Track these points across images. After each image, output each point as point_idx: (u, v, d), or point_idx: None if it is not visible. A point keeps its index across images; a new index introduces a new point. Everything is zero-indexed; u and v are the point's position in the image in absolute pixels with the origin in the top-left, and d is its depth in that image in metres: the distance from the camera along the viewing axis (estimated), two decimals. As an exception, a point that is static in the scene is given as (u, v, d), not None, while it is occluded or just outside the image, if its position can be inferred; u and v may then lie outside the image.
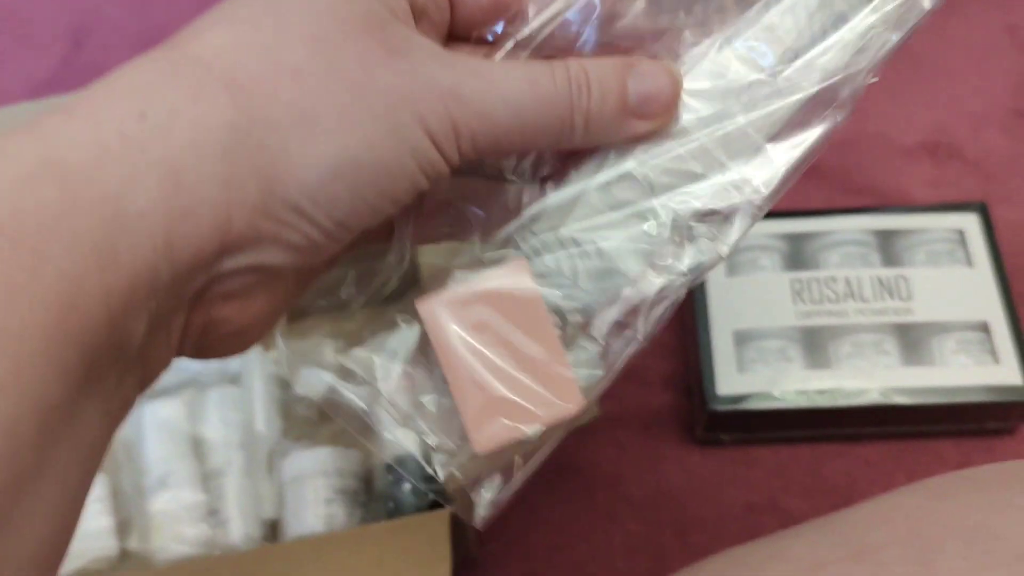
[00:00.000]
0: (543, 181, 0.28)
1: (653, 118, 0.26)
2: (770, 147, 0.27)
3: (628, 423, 0.51)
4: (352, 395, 0.26)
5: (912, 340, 0.47)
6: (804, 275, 0.49)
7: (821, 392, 0.46)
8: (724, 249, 0.26)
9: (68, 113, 0.21)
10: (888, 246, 0.50)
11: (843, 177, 0.58)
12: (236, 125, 0.22)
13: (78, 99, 0.21)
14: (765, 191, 0.26)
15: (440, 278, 0.27)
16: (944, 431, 0.48)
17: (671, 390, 0.52)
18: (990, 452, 0.48)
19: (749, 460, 0.49)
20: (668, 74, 0.26)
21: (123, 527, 0.42)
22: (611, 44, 0.27)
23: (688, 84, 0.27)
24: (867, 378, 0.46)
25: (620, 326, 0.27)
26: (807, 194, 0.56)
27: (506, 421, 0.25)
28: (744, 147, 0.26)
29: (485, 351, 0.26)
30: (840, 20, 0.27)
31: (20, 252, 0.19)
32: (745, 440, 0.49)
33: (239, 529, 0.43)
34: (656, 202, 0.27)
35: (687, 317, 0.50)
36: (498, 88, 0.24)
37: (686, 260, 0.26)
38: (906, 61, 0.63)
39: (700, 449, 0.50)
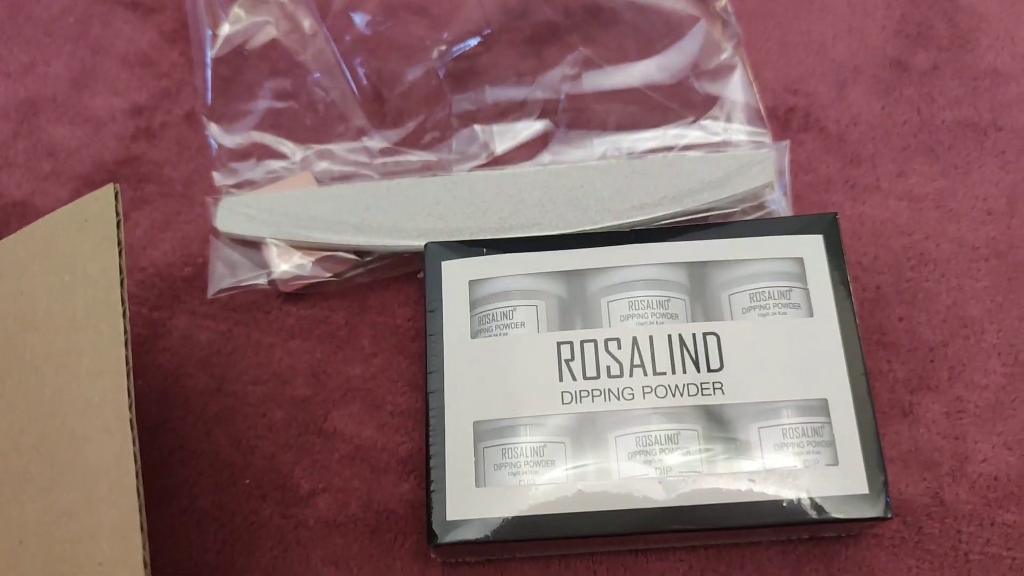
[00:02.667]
0: None
1: None
2: None
3: (349, 527, 0.37)
4: None
5: (722, 430, 0.33)
6: (576, 336, 0.34)
7: (593, 514, 0.32)
8: None
9: None
10: (699, 287, 0.36)
11: (662, 160, 0.42)
12: None
13: None
14: None
15: None
16: (768, 541, 0.36)
17: (412, 477, 0.38)
18: (828, 562, 0.36)
19: (509, 582, 0.36)
20: None
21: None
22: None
23: None
24: (658, 488, 0.32)
25: None
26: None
27: None
28: None
29: None
30: None
31: None
32: (502, 557, 0.36)
33: None
34: None
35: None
36: None
37: None
38: (757, -11, 0.47)
39: (443, 565, 0.36)
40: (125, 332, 0.26)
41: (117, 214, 0.27)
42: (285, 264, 0.38)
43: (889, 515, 0.32)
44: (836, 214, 0.36)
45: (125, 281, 0.26)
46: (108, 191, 0.27)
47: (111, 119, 0.45)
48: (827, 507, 0.32)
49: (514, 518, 0.32)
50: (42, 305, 0.28)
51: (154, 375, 0.39)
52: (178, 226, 0.42)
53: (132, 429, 0.25)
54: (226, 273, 0.39)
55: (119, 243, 0.26)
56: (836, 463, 0.32)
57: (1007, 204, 0.41)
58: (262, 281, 0.39)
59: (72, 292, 0.27)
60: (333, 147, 0.42)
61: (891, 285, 0.40)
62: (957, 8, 0.46)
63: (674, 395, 0.33)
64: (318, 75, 0.43)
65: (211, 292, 0.39)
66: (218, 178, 0.41)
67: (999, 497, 0.36)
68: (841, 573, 0.35)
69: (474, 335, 0.35)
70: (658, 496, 0.32)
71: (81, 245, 0.27)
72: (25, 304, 0.28)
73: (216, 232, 0.39)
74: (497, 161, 0.42)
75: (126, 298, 0.26)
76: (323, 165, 0.42)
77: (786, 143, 0.40)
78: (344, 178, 0.42)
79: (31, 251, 0.28)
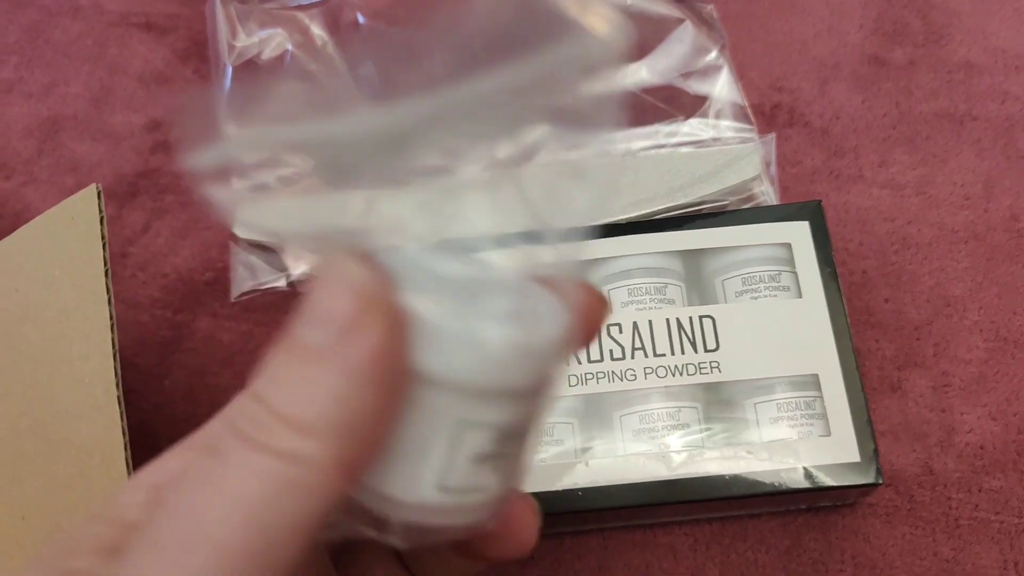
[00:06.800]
0: None
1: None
2: None
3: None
4: None
5: (720, 407, 0.35)
6: (580, 322, 0.36)
7: (601, 488, 0.34)
8: None
9: None
10: (694, 273, 0.38)
11: (656, 157, 0.45)
12: None
13: None
14: None
15: None
16: (767, 512, 0.38)
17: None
18: (825, 531, 0.37)
19: (524, 559, 0.38)
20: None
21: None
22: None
23: None
24: (661, 463, 0.34)
25: None
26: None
27: None
28: None
29: None
30: None
31: None
32: (517, 535, 0.38)
33: None
34: None
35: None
36: None
37: None
38: (741, -7, 0.49)
39: (462, 547, 0.38)
40: (111, 318, 0.28)
41: (100, 211, 0.29)
42: (303, 266, 0.41)
43: (880, 481, 0.34)
44: (820, 201, 0.38)
45: (109, 271, 0.28)
46: (91, 191, 0.29)
47: (130, 134, 0.47)
48: (821, 476, 0.34)
49: (527, 495, 0.34)
50: (35, 299, 0.30)
51: (180, 373, 0.41)
52: (197, 233, 0.44)
53: (120, 405, 0.28)
54: (247, 276, 0.41)
55: (103, 237, 0.28)
56: (828, 434, 0.34)
57: (983, 189, 0.44)
58: (281, 283, 0.41)
59: (62, 284, 0.29)
60: (342, 155, 0.45)
61: (876, 269, 0.42)
62: (931, 5, 0.49)
63: (674, 375, 0.35)
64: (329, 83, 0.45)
65: (234, 295, 0.41)
66: (234, 183, 0.44)
67: (985, 465, 0.38)
68: (839, 541, 0.37)
69: (484, 325, 0.37)
70: (661, 470, 0.34)
71: (68, 241, 0.29)
72: (19, 299, 0.30)
73: (235, 238, 0.41)
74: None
75: (110, 287, 0.28)
76: (333, 172, 0.44)
77: (771, 136, 0.42)
78: (354, 183, 0.44)
79: (24, 250, 0.30)
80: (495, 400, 0.17)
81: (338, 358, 0.16)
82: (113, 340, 0.28)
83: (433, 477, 0.17)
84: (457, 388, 0.17)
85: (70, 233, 0.29)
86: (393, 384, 0.16)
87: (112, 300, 0.28)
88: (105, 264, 0.28)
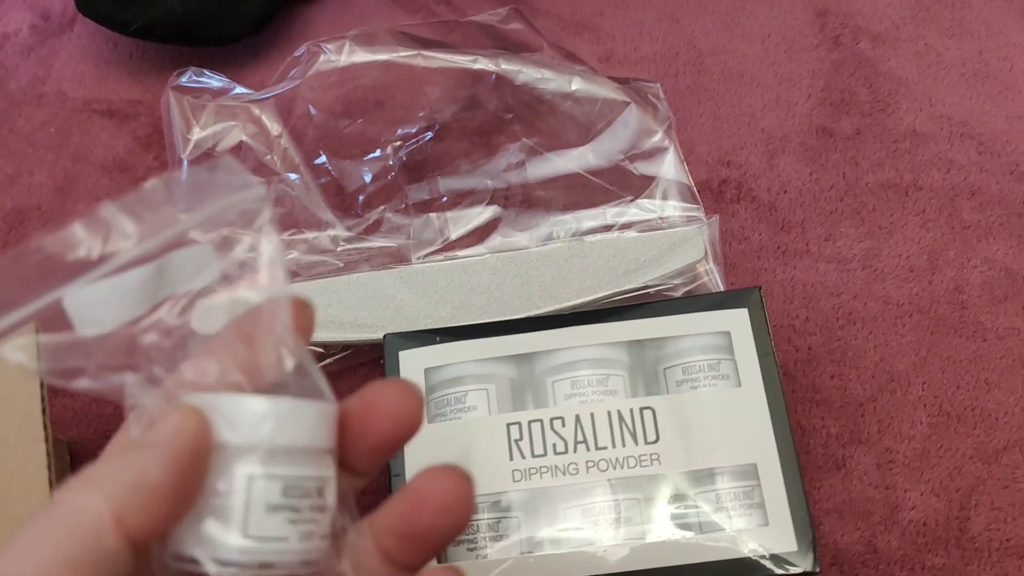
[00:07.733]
0: None
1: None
2: None
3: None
4: None
5: (662, 499, 0.36)
6: (524, 417, 0.37)
7: (544, 582, 0.35)
8: None
9: None
10: (637, 362, 0.39)
11: (606, 236, 0.46)
12: None
13: None
14: None
15: None
16: (712, 596, 0.38)
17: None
18: (772, 612, 0.38)
19: (477, 645, 0.38)
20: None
21: None
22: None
23: None
24: (605, 555, 0.35)
25: None
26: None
27: None
28: None
29: None
30: None
31: None
32: (470, 623, 0.38)
33: None
34: None
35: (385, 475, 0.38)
36: None
37: None
38: (689, 65, 0.50)
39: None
40: (48, 455, 0.29)
41: (39, 347, 0.30)
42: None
43: (817, 569, 0.35)
44: (760, 288, 0.39)
45: (47, 410, 0.29)
46: (29, 328, 0.30)
47: (93, 223, 0.48)
48: (761, 565, 0.35)
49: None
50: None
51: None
52: (158, 323, 0.45)
53: None
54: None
55: (40, 378, 0.30)
56: (767, 523, 0.35)
57: (928, 261, 0.44)
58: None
59: (2, 421, 0.30)
60: (299, 238, 0.46)
61: (822, 345, 0.43)
62: (877, 73, 0.50)
63: (615, 468, 0.36)
64: (285, 174, 0.46)
65: (190, 388, 0.42)
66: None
67: (928, 542, 0.39)
68: (784, 621, 0.38)
69: (431, 420, 0.38)
70: (606, 562, 0.35)
71: (9, 376, 0.30)
72: None
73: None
74: (452, 245, 0.45)
75: (48, 424, 0.29)
76: (291, 255, 0.45)
77: (715, 218, 0.43)
78: (310, 267, 0.45)
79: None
80: (274, 457, 0.21)
81: (146, 444, 0.20)
82: (50, 479, 0.29)
83: (238, 525, 0.21)
84: (243, 449, 0.21)
85: (8, 369, 0.30)
86: (188, 465, 0.20)
87: (50, 438, 0.29)
88: (43, 402, 0.29)
